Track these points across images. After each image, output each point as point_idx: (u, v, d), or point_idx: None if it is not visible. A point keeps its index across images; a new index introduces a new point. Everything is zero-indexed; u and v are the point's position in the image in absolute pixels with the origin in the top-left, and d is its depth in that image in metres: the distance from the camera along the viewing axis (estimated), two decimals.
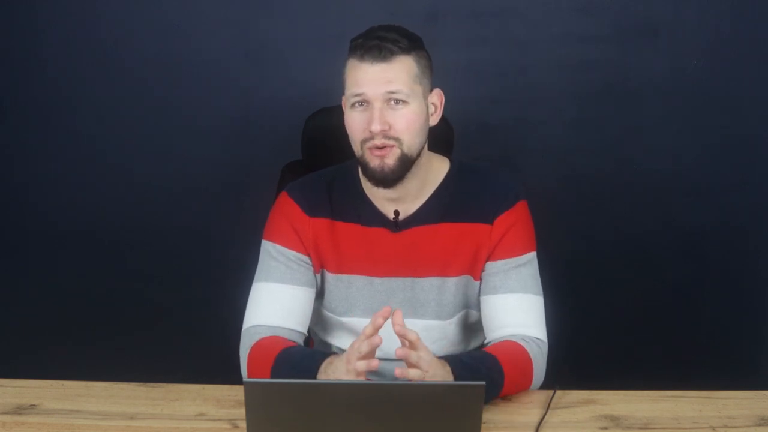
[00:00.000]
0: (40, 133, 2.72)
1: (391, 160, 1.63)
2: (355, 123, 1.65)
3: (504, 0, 2.60)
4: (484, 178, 1.77)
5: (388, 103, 1.62)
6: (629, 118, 2.68)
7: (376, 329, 1.47)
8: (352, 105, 1.65)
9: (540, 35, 2.62)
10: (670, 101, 2.67)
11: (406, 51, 1.63)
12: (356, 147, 1.67)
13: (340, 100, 1.71)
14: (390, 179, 1.65)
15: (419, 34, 1.69)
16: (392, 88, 1.61)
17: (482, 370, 1.55)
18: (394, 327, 1.46)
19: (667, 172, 2.71)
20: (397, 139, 1.63)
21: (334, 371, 1.51)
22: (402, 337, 1.48)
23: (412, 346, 1.48)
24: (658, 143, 2.69)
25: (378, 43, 1.61)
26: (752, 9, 2.60)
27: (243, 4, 2.63)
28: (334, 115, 1.92)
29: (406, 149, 1.64)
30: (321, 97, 2.07)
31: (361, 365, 1.45)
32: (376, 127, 1.61)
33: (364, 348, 1.46)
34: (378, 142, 1.62)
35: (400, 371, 1.45)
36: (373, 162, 1.64)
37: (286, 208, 1.76)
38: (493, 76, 2.65)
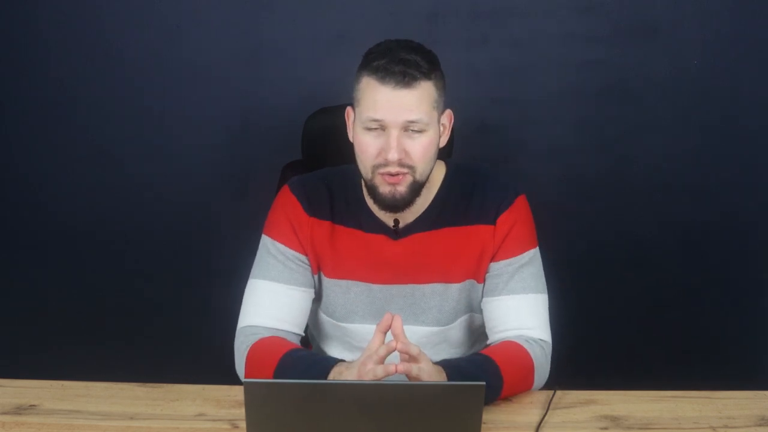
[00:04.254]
0: (40, 132, 2.71)
1: (402, 187, 1.60)
2: (368, 147, 1.59)
3: (504, 0, 2.60)
4: (480, 178, 1.74)
5: (406, 130, 1.58)
6: (629, 118, 2.68)
7: (382, 341, 1.47)
8: (367, 128, 1.60)
9: (540, 35, 2.62)
10: (670, 101, 2.66)
11: (427, 75, 1.58)
12: (366, 171, 1.62)
13: (341, 100, 1.70)
14: (400, 206, 1.63)
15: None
16: (413, 117, 1.56)
17: (480, 376, 1.52)
18: (396, 345, 1.45)
19: (667, 172, 2.71)
20: (411, 167, 1.59)
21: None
22: (404, 352, 1.46)
23: (413, 359, 1.47)
24: (658, 143, 2.69)
25: (403, 68, 1.54)
26: (752, 9, 2.60)
27: (243, 4, 2.63)
28: (334, 115, 1.92)
29: (418, 176, 1.61)
30: (321, 97, 2.07)
31: (380, 371, 1.44)
32: (393, 156, 1.56)
33: (383, 351, 1.45)
34: (392, 169, 1.58)
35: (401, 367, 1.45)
36: (384, 188, 1.61)
37: (286, 204, 1.74)
38: (493, 76, 2.65)
